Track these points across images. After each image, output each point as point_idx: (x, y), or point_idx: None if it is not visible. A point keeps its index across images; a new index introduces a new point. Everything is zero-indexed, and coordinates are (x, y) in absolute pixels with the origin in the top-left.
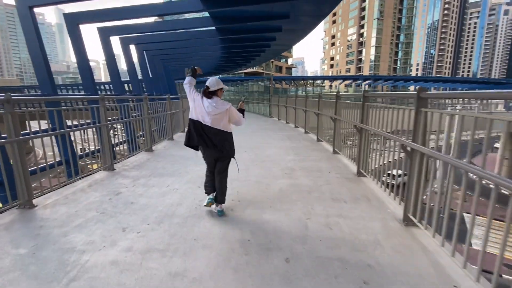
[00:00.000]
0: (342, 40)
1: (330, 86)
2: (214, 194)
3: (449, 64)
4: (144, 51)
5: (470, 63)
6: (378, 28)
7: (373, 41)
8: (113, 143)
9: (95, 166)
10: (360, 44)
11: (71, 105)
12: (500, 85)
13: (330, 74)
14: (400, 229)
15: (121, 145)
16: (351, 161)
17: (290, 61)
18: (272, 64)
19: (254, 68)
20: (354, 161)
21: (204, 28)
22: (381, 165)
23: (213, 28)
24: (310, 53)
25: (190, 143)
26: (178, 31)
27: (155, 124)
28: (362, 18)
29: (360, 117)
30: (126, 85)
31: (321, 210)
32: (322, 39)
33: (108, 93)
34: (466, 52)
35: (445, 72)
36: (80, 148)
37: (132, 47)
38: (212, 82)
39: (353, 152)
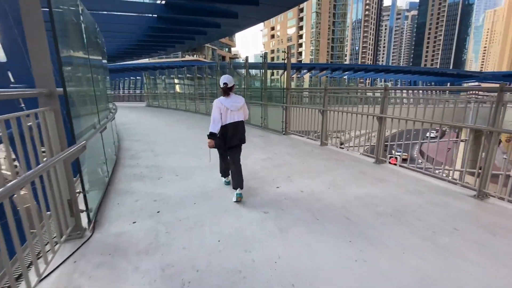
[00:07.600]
0: (282, 32)
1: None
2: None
3: (370, 60)
4: None
5: (383, 57)
6: (316, 21)
7: (312, 35)
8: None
9: None
10: (300, 37)
11: None
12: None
13: None
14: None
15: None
16: None
17: (233, 50)
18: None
19: (195, 56)
20: None
21: None
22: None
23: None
24: (245, 45)
25: (227, 145)
26: None
27: None
28: (301, 10)
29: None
30: None
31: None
32: (261, 30)
33: None
34: (380, 48)
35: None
36: None
37: None
38: (229, 79)
39: None
